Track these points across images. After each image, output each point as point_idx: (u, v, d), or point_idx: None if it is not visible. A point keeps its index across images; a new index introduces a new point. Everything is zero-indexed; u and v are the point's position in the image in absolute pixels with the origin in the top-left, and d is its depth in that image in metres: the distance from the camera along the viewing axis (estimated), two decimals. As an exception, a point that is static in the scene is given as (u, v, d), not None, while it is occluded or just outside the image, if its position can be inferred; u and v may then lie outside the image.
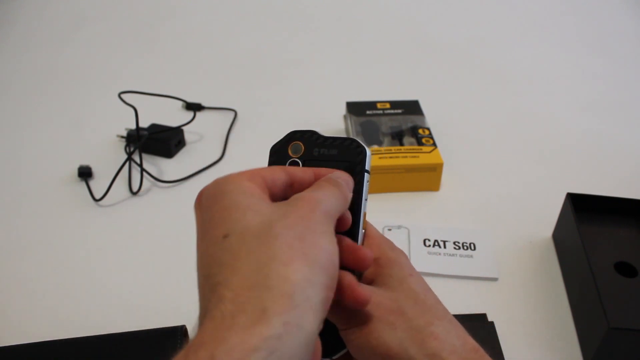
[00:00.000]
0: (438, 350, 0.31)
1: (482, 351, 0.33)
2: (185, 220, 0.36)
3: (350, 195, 0.33)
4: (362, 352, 0.33)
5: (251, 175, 0.30)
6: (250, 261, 0.25)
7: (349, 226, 0.33)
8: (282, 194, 0.32)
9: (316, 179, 0.33)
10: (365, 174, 0.36)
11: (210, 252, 0.27)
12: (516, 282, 0.56)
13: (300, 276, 0.25)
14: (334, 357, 0.36)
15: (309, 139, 0.38)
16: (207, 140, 0.77)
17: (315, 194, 0.30)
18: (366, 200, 0.36)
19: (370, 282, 0.35)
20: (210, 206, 0.29)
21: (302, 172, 0.33)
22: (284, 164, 0.37)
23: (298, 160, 0.37)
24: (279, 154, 0.38)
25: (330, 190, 0.31)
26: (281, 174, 0.32)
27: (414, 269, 0.35)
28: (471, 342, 0.33)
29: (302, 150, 0.37)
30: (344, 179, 0.33)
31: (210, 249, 0.27)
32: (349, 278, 0.31)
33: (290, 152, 0.38)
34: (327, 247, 0.27)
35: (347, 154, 0.37)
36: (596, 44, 1.08)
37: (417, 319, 0.32)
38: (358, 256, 0.31)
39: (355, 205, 0.35)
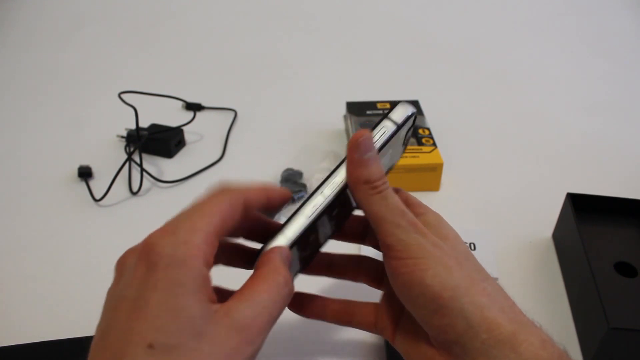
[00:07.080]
0: (488, 305, 0.31)
1: (527, 317, 0.33)
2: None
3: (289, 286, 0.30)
4: (408, 289, 0.31)
5: (205, 239, 0.29)
6: None
7: None
8: (238, 223, 0.31)
9: (268, 197, 0.33)
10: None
11: (125, 349, 0.26)
12: (516, 282, 0.56)
13: None
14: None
15: None
16: (207, 140, 0.77)
17: (251, 310, 0.27)
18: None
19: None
20: (154, 285, 0.27)
21: (256, 194, 0.32)
22: None
23: None
24: None
25: (269, 294, 0.29)
26: (232, 211, 0.31)
27: None
28: (517, 307, 0.33)
29: None
30: (282, 274, 0.30)
31: (127, 348, 0.26)
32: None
33: None
34: None
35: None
36: (597, 44, 1.08)
37: (471, 273, 0.32)
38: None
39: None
